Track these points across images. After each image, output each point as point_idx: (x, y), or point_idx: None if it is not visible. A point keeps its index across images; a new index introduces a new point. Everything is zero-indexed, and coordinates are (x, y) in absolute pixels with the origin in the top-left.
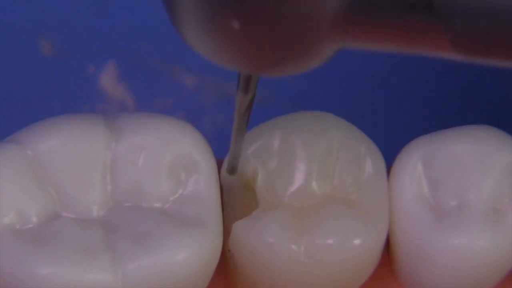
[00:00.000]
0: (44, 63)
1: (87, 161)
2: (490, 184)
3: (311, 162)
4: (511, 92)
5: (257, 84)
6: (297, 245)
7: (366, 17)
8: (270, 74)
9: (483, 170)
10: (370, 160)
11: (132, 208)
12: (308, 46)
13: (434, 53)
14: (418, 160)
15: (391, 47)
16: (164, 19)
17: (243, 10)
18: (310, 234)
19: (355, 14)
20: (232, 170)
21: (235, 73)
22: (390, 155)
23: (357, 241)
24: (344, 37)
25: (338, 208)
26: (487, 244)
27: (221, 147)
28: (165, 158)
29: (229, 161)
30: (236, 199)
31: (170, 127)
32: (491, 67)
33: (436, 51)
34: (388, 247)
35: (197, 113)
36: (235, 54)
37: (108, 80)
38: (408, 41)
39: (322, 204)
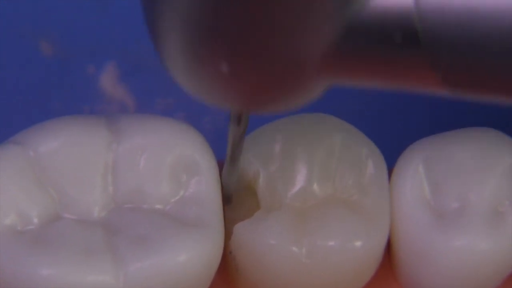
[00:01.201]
0: (44, 63)
1: (88, 163)
2: (491, 186)
3: (312, 164)
4: None
5: (249, 117)
6: (298, 246)
7: (354, 56)
8: (260, 112)
9: (484, 172)
10: (372, 162)
11: (133, 209)
12: (297, 85)
13: (423, 90)
14: (420, 162)
15: (379, 84)
16: None
17: (230, 53)
18: (312, 235)
19: (342, 52)
20: (227, 200)
21: None
22: (391, 157)
23: (358, 243)
24: (332, 75)
25: (340, 210)
26: (488, 246)
27: (221, 147)
28: (166, 159)
29: (223, 191)
30: (237, 201)
31: (171, 128)
32: None
33: (424, 87)
34: (389, 248)
35: (197, 113)
36: (224, 95)
37: (108, 80)
38: (396, 78)
39: (324, 205)
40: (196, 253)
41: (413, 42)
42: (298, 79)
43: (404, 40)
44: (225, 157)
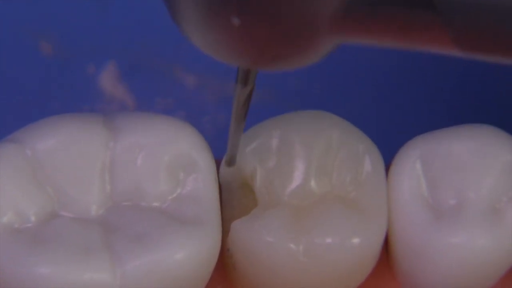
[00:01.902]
0: (44, 63)
1: (86, 161)
2: (489, 183)
3: (309, 160)
4: (511, 91)
5: (256, 76)
6: (296, 244)
7: (366, 13)
8: (269, 68)
9: (482, 169)
10: (369, 158)
11: (131, 207)
12: (307, 42)
13: (434, 49)
14: (417, 159)
15: (390, 43)
16: (164, 20)
17: (242, 7)
18: (309, 233)
19: (354, 10)
20: (231, 161)
21: (235, 73)
22: (388, 154)
23: (356, 240)
24: (343, 33)
25: (337, 207)
26: (486, 243)
27: (221, 147)
28: (164, 157)
29: (228, 152)
30: (235, 198)
31: (169, 126)
32: (491, 65)
33: (435, 47)
34: (387, 245)
35: (197, 113)
36: (234, 49)
37: (108, 80)
38: (407, 37)
39: (321, 203)
40: (194, 250)
41: (427, 1)
42: (308, 36)
43: (418, 9)
44: (232, 117)
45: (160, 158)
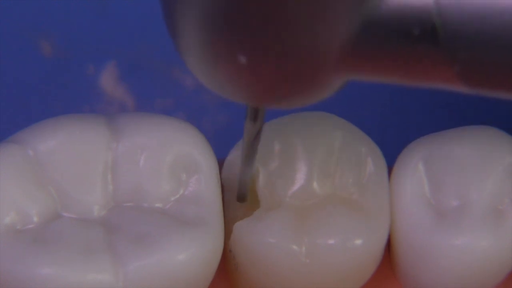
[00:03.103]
0: (44, 63)
1: (88, 161)
2: (491, 184)
3: (312, 162)
4: None
5: (265, 113)
6: (298, 245)
7: (372, 50)
8: (276, 107)
9: (484, 171)
10: (371, 160)
11: (133, 208)
12: (315, 81)
13: (440, 86)
14: (419, 161)
15: (396, 79)
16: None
17: (249, 46)
18: (311, 234)
19: (361, 47)
20: (242, 198)
21: None
22: (391, 156)
23: (358, 241)
24: (350, 70)
25: (339, 209)
26: (488, 244)
27: (221, 147)
28: (166, 158)
29: (238, 189)
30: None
31: (171, 127)
32: None
33: (442, 83)
34: (389, 247)
35: (197, 113)
36: (240, 88)
37: (108, 80)
38: (413, 74)
39: (323, 204)
40: (196, 251)
41: (431, 37)
42: (315, 74)
43: (422, 35)
44: (241, 154)
45: (162, 159)
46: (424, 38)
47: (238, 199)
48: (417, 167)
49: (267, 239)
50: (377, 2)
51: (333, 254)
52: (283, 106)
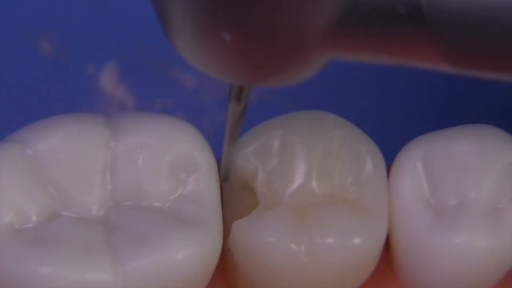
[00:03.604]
0: (44, 63)
1: (87, 161)
2: (490, 183)
3: (311, 161)
4: (511, 91)
5: (249, 94)
6: (297, 244)
7: (357, 29)
8: (262, 84)
9: (483, 169)
10: (370, 159)
11: (132, 207)
12: (300, 58)
13: (425, 65)
14: (418, 159)
15: (382, 59)
16: None
17: (234, 23)
18: (310, 233)
19: (346, 25)
20: (225, 178)
21: None
22: (390, 154)
23: (357, 240)
24: (335, 48)
25: (338, 207)
26: (487, 243)
27: (221, 147)
28: (165, 157)
29: (222, 170)
30: (236, 199)
31: (170, 126)
32: None
33: (427, 63)
34: (388, 246)
35: (197, 113)
36: (226, 66)
37: (108, 80)
38: (398, 53)
39: (322, 203)
40: (195, 251)
41: (417, 16)
42: (301, 51)
43: (408, 14)
44: (225, 134)
45: (161, 158)
46: (410, 17)
47: (221, 179)
48: (416, 166)
49: (266, 238)
50: None
51: (332, 253)
52: (267, 84)
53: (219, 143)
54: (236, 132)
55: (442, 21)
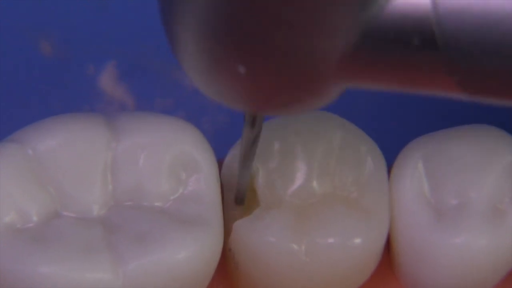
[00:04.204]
0: (44, 63)
1: (87, 161)
2: (491, 183)
3: (311, 161)
4: None
5: (263, 120)
6: (297, 244)
7: (371, 60)
8: (275, 114)
9: (484, 170)
10: (371, 159)
11: (132, 207)
12: (313, 89)
13: (439, 94)
14: (419, 159)
15: (395, 88)
16: None
17: (249, 56)
18: (311, 233)
19: (360, 57)
20: (240, 201)
21: None
22: (391, 154)
23: (358, 240)
24: (349, 79)
25: (339, 207)
26: (487, 243)
27: (221, 147)
28: (166, 157)
29: (236, 192)
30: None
31: (171, 126)
32: None
33: (441, 92)
34: (389, 246)
35: (197, 113)
36: (239, 97)
37: (108, 80)
38: (412, 82)
39: (323, 203)
40: (196, 250)
41: (431, 46)
42: (315, 82)
43: (422, 44)
44: (239, 158)
45: (162, 158)
46: (423, 48)
47: (236, 201)
48: (416, 166)
49: (267, 238)
50: (376, 11)
51: (332, 253)
52: (281, 114)
53: (219, 143)
54: (251, 156)
55: (456, 51)
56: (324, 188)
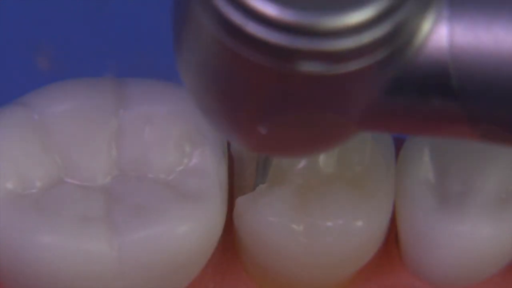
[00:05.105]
0: (41, 76)
1: (94, 128)
2: (496, 173)
3: None
4: None
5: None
6: (297, 225)
7: (391, 116)
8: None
9: (490, 159)
10: (377, 142)
11: (136, 178)
12: (334, 142)
13: (459, 138)
14: (426, 146)
15: (416, 134)
16: (161, 28)
17: (270, 121)
18: (312, 215)
19: (380, 114)
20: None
21: None
22: (399, 139)
23: (358, 223)
24: (370, 129)
25: (342, 189)
26: (490, 232)
27: None
28: (172, 129)
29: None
30: (246, 171)
31: (179, 98)
32: None
33: (460, 138)
34: (395, 231)
35: None
36: (259, 147)
37: None
38: (433, 131)
39: (327, 184)
40: (195, 225)
41: (452, 102)
42: (335, 138)
43: (442, 100)
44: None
45: (168, 130)
46: (444, 105)
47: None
48: (423, 151)
49: (268, 217)
50: (397, 72)
51: (332, 235)
52: (300, 158)
53: None
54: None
55: (477, 106)
56: (329, 168)
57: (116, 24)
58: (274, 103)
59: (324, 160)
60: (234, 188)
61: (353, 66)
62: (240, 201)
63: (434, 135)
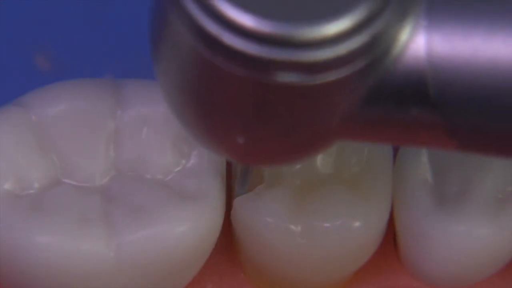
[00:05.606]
0: (41, 76)
1: (91, 129)
2: (494, 173)
3: None
4: None
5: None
6: (295, 225)
7: (369, 125)
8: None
9: (488, 159)
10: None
11: (133, 178)
12: (312, 150)
13: (436, 148)
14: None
15: (396, 144)
16: None
17: (247, 131)
18: (309, 215)
19: (359, 123)
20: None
21: None
22: None
23: (356, 224)
24: (349, 137)
25: (340, 190)
26: (488, 232)
27: None
28: (170, 130)
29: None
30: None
31: None
32: None
33: (437, 148)
34: (394, 232)
35: None
36: (237, 156)
37: None
38: (411, 141)
39: (325, 185)
40: (193, 225)
41: (429, 112)
42: (314, 148)
43: (420, 110)
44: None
45: (166, 130)
46: (421, 115)
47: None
48: (421, 151)
49: (265, 218)
50: (376, 80)
51: (329, 236)
52: (279, 167)
53: None
54: (248, 176)
55: (455, 116)
56: (327, 169)
57: (116, 24)
58: (252, 114)
59: (322, 161)
60: (232, 189)
61: (330, 76)
62: (237, 201)
63: (412, 144)
